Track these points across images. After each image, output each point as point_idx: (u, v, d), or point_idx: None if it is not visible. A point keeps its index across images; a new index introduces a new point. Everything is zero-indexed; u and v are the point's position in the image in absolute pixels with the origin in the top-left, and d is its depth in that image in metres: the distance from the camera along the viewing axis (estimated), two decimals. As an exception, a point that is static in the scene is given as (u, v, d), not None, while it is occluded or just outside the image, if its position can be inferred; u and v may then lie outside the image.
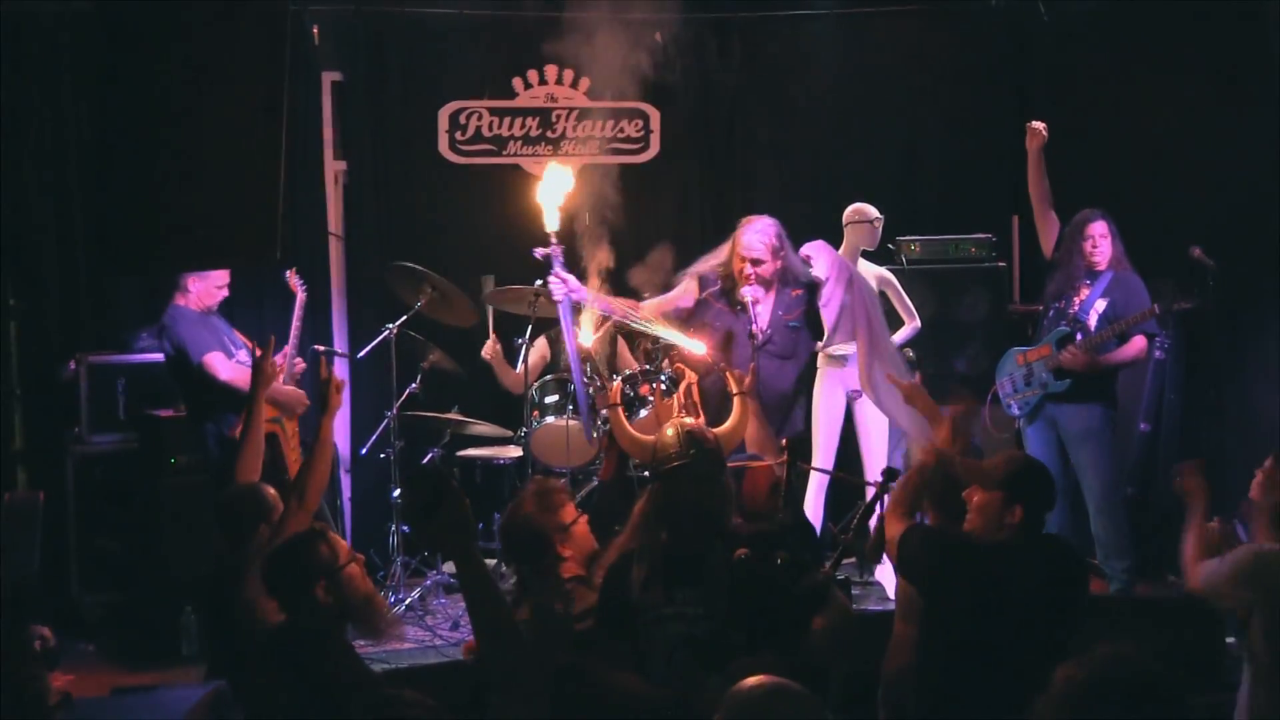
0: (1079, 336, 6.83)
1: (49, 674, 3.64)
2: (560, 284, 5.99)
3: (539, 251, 6.08)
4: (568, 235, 7.07)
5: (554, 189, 5.97)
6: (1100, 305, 6.86)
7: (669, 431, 4.39)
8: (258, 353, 6.79)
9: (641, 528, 4.30)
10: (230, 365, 6.57)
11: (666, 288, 6.54)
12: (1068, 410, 6.89)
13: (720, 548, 4.15)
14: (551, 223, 5.97)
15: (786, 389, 6.36)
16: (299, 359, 7.00)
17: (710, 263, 6.36)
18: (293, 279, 7.15)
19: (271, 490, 4.74)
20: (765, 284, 6.24)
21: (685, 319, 6.29)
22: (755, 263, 6.16)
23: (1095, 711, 2.62)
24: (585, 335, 6.90)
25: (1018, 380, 7.06)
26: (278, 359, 6.91)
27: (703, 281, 6.33)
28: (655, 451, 4.37)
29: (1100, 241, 6.88)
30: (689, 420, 4.67)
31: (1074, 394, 6.85)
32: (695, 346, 5.96)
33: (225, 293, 6.89)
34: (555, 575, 4.28)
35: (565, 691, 4.05)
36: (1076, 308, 6.90)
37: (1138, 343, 6.83)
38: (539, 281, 6.95)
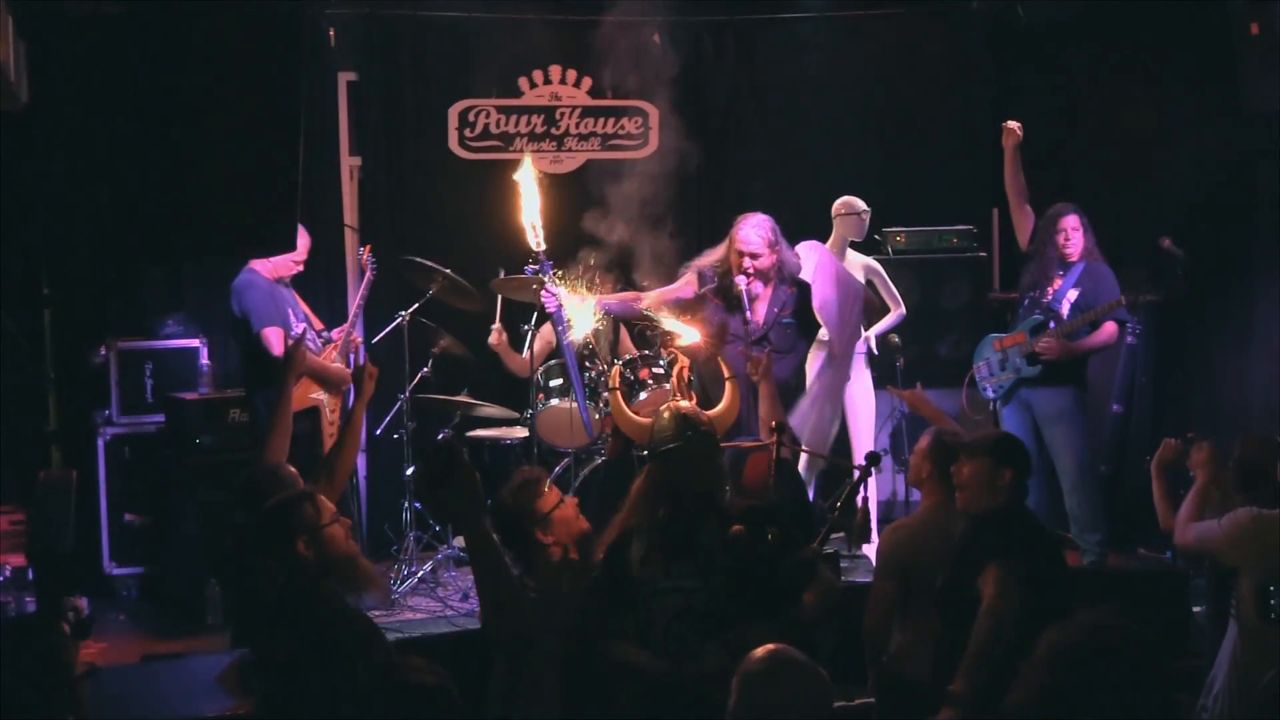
0: (1052, 324, 7.01)
1: (78, 644, 3.66)
2: (552, 298, 6.21)
3: (530, 268, 6.31)
4: (568, 234, 7.17)
5: (530, 196, 6.16)
6: (1072, 295, 7.02)
7: (664, 415, 4.50)
8: (318, 326, 6.85)
9: (640, 506, 4.39)
10: (284, 342, 6.56)
11: (668, 279, 6.70)
12: (1040, 393, 7.07)
13: (714, 523, 4.25)
14: (536, 241, 6.16)
15: (786, 383, 6.48)
16: (356, 334, 7.11)
17: (710, 259, 6.53)
18: (365, 256, 7.22)
19: (292, 469, 4.80)
20: (763, 277, 6.39)
21: (685, 309, 6.44)
22: (753, 256, 6.33)
23: (1080, 674, 2.64)
24: (587, 323, 7.11)
25: (993, 365, 7.24)
26: (335, 334, 7.04)
27: (702, 278, 6.50)
28: (652, 434, 4.49)
29: (1072, 234, 7.05)
30: (684, 404, 4.76)
31: (1046, 378, 7.03)
32: (690, 334, 6.12)
33: (300, 268, 7.02)
34: (538, 560, 4.30)
35: (575, 662, 4.22)
36: (1050, 297, 7.07)
37: (1108, 329, 7.01)
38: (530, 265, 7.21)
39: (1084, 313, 6.99)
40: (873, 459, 4.95)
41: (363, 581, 4.02)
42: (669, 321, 6.23)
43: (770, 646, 3.15)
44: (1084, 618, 2.82)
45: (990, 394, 7.31)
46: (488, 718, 4.22)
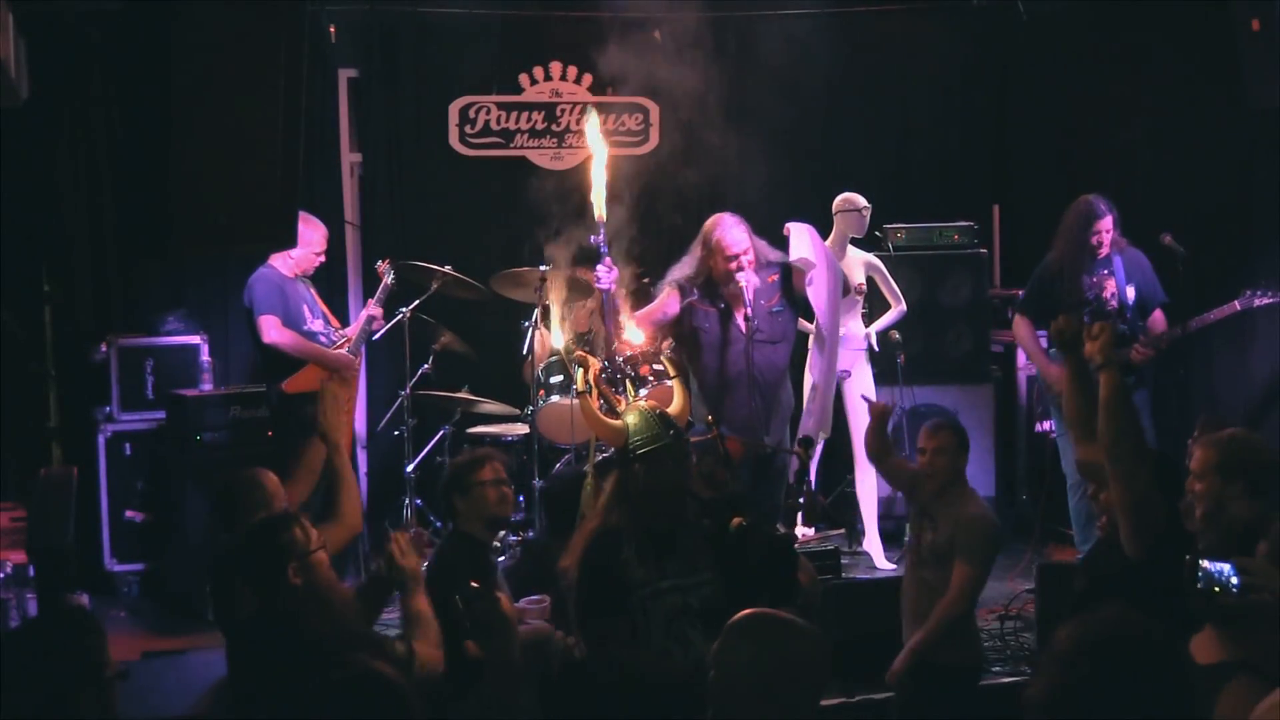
0: (1127, 330, 6.83)
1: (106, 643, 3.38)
2: (608, 271, 6.03)
3: (593, 239, 6.10)
4: (567, 231, 7.12)
5: (599, 157, 6.03)
6: (1130, 293, 6.89)
7: (635, 416, 4.48)
8: (334, 323, 6.94)
9: (620, 508, 4.37)
10: (277, 330, 6.76)
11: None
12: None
13: (692, 516, 4.36)
14: (600, 209, 6.01)
15: (780, 372, 6.52)
16: (380, 308, 7.17)
17: (683, 272, 6.47)
18: (383, 267, 7.25)
19: (273, 478, 4.64)
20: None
21: (673, 325, 6.44)
22: (744, 254, 6.29)
23: (1096, 668, 2.62)
24: (556, 336, 7.11)
25: None
26: (364, 313, 7.19)
27: (683, 291, 6.44)
28: (630, 435, 4.43)
29: (1106, 235, 6.86)
30: (651, 403, 4.76)
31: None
32: (635, 334, 6.10)
33: (322, 259, 7.10)
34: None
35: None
36: (1115, 304, 6.89)
37: (1161, 317, 6.94)
38: (544, 266, 7.25)
39: (1144, 305, 6.89)
40: (806, 444, 4.95)
41: (340, 612, 3.83)
42: (626, 323, 6.18)
43: (760, 609, 3.11)
44: (1100, 611, 2.79)
45: None
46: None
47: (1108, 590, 4.03)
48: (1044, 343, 7.16)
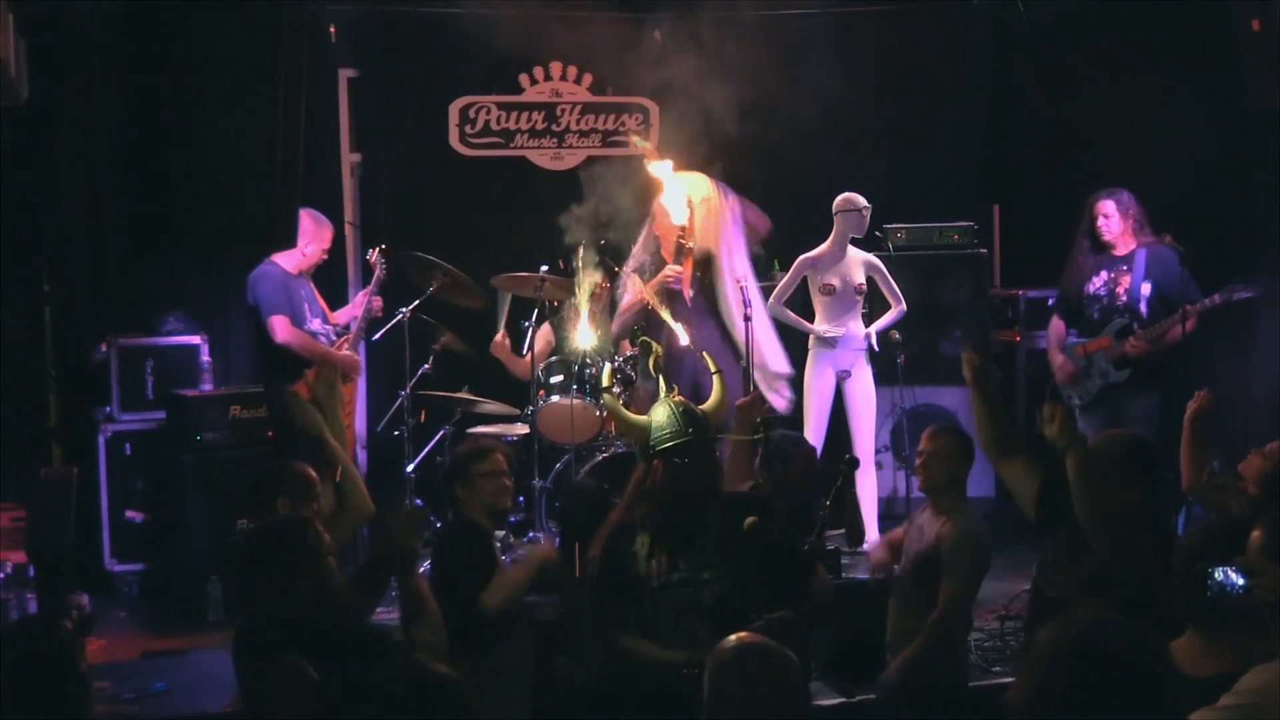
0: (1135, 325, 6.89)
1: (84, 647, 3.37)
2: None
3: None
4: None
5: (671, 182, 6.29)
6: (1146, 289, 6.88)
7: (661, 411, 4.47)
8: (332, 319, 6.94)
9: (642, 502, 4.39)
10: (288, 330, 6.78)
11: None
12: (1133, 395, 6.96)
13: (713, 514, 4.33)
14: (680, 217, 6.26)
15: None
16: (378, 297, 7.23)
17: (636, 261, 6.67)
18: (375, 256, 7.33)
19: (313, 474, 4.57)
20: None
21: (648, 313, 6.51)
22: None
23: (1078, 672, 2.61)
24: (585, 336, 7.12)
25: (1078, 372, 7.10)
26: (359, 297, 7.25)
27: (642, 272, 6.61)
28: (652, 431, 4.44)
29: (1105, 220, 6.90)
30: (679, 398, 4.71)
31: (1140, 381, 6.92)
32: (682, 335, 6.18)
33: (326, 257, 7.17)
34: None
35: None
36: (1125, 298, 6.91)
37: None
38: (544, 267, 7.27)
39: (1164, 303, 6.87)
40: (850, 465, 4.89)
41: (346, 616, 3.81)
42: (666, 317, 6.23)
43: (742, 635, 3.16)
44: (1081, 614, 2.78)
45: (1076, 402, 7.07)
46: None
47: (1089, 590, 4.08)
48: (1072, 338, 7.21)
